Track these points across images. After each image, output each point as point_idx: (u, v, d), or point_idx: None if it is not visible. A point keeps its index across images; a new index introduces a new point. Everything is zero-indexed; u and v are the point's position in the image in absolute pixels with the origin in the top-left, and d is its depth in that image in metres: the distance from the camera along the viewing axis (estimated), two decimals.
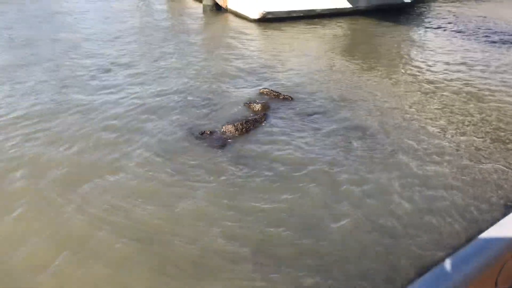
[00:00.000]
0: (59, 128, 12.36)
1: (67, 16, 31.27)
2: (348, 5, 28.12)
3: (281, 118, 13.02)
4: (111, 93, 15.15)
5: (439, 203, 8.86)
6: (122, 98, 14.79)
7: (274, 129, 12.24)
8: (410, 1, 30.54)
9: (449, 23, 26.31)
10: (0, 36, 24.02)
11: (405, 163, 10.33)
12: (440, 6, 32.31)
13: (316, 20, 26.83)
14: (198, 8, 33.02)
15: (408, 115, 13.02)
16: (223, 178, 9.86)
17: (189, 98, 14.97)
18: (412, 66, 18.29)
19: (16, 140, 11.53)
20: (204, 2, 31.67)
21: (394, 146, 11.14)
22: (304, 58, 19.44)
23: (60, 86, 15.90)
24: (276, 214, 8.54)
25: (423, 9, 30.90)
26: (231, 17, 29.10)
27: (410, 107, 13.72)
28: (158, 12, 34.48)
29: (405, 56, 19.80)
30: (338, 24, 26.31)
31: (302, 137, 11.67)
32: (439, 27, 24.97)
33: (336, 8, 27.94)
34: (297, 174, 9.93)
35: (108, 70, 17.91)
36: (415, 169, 10.05)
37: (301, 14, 27.20)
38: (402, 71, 17.63)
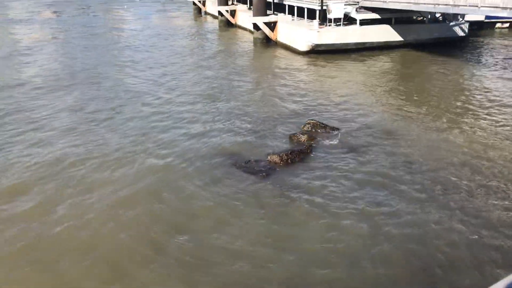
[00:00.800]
0: (111, 150, 13.14)
1: (121, 37, 33.17)
2: (398, 38, 27.99)
3: (326, 150, 13.07)
4: (161, 121, 15.88)
5: None
6: (172, 123, 15.46)
7: (319, 162, 12.29)
8: (464, 34, 29.91)
9: (506, 58, 25.50)
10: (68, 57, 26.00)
11: (456, 200, 10.04)
12: (495, 40, 31.43)
13: (365, 52, 26.84)
14: (249, 39, 34.02)
15: (458, 150, 12.70)
16: (263, 210, 9.92)
17: (236, 126, 15.37)
18: (462, 101, 17.85)
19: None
20: (254, 35, 32.62)
21: (444, 183, 10.87)
22: (352, 91, 19.48)
23: (113, 112, 16.88)
24: (316, 251, 8.47)
25: (478, 43, 30.16)
26: (280, 49, 29.75)
27: (460, 143, 13.37)
28: (210, 40, 35.91)
29: (455, 93, 19.36)
30: (387, 57, 26.20)
31: (347, 172, 11.62)
32: (495, 64, 24.19)
33: (386, 41, 27.88)
34: (340, 211, 9.80)
35: (157, 97, 18.80)
36: (468, 208, 9.72)
37: (350, 47, 27.35)
38: (452, 108, 17.24)
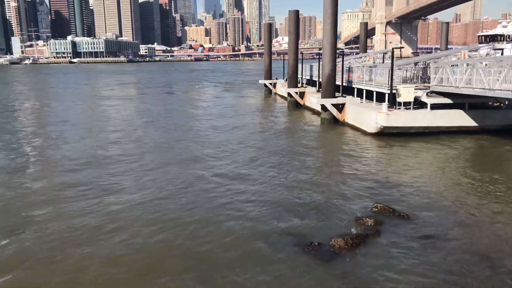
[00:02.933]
0: (169, 210, 13.45)
1: (195, 115, 35.22)
2: (472, 124, 27.07)
3: (394, 237, 12.40)
4: (229, 205, 16.14)
5: None
6: (237, 201, 15.65)
7: (386, 249, 11.63)
8: None
9: None
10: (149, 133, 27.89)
11: None
12: None
13: (437, 137, 26.12)
14: (317, 119, 34.66)
15: None
16: None
17: (300, 203, 15.18)
18: None
19: None
20: (322, 115, 33.25)
21: None
22: (422, 176, 18.75)
23: (186, 202, 17.49)
24: None
25: None
26: (347, 130, 29.88)
27: None
28: (279, 118, 37.00)
29: None
30: (461, 142, 25.23)
31: (416, 263, 10.83)
32: None
33: (459, 126, 27.05)
34: None
35: (224, 169, 19.34)
36: None
37: (421, 130, 26.83)
38: None
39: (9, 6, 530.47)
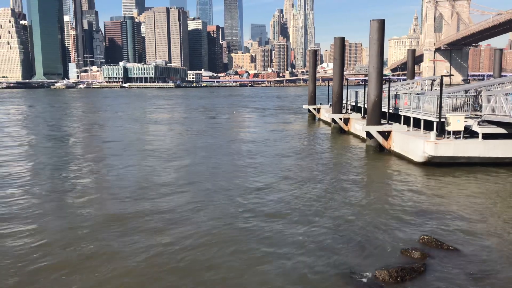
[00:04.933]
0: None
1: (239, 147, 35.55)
2: None
3: (441, 271, 11.83)
4: (271, 239, 16.08)
5: None
6: (281, 233, 15.54)
7: (432, 284, 11.08)
8: None
9: None
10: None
11: None
12: None
13: (489, 168, 24.91)
14: (361, 146, 34.10)
15: None
16: None
17: (345, 233, 14.83)
18: None
19: None
20: (367, 142, 32.69)
21: None
22: (471, 209, 17.87)
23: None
24: None
25: None
26: (394, 158, 29.15)
27: None
28: (323, 145, 36.66)
29: None
30: None
31: None
32: None
33: None
34: None
35: (264, 198, 19.32)
36: None
37: (472, 161, 25.72)
38: None
39: (68, 34, 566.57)
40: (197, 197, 19.61)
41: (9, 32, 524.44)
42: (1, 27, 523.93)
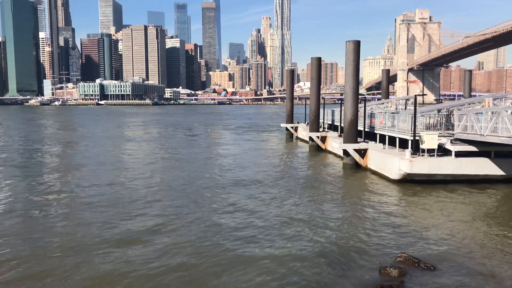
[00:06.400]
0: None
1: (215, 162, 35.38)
2: (499, 172, 26.37)
3: None
4: (244, 256, 15.92)
5: None
6: (254, 252, 15.40)
7: None
8: None
9: None
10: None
11: None
12: None
13: (462, 185, 25.48)
14: (338, 164, 34.43)
15: None
16: None
17: (321, 252, 14.78)
18: None
19: None
20: (344, 160, 33.06)
21: None
22: (448, 225, 18.19)
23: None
24: None
25: None
26: (370, 176, 29.52)
27: None
28: (300, 163, 36.85)
29: None
30: (487, 192, 24.50)
31: None
32: None
33: (485, 175, 26.39)
34: None
35: (241, 218, 19.20)
36: None
37: (446, 178, 26.28)
38: None
39: (43, 50, 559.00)
40: (166, 215, 19.33)
41: None
42: None
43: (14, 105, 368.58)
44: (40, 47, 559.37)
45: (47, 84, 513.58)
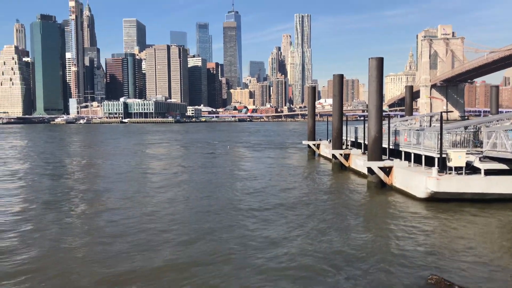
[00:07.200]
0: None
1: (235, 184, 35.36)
2: None
3: None
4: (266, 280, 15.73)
5: None
6: (277, 274, 15.18)
7: None
8: None
9: None
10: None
11: None
12: None
13: (492, 204, 24.68)
14: (362, 182, 33.92)
15: None
16: None
17: (349, 274, 14.50)
18: None
19: None
20: (368, 178, 32.53)
21: None
22: (476, 246, 17.57)
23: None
24: None
25: None
26: (395, 194, 28.94)
27: None
28: (323, 181, 36.43)
29: None
30: None
31: None
32: None
33: None
34: None
35: (259, 235, 18.99)
36: None
37: (474, 197, 25.52)
38: None
39: (70, 70, 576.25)
40: (189, 234, 19.30)
41: (12, 69, 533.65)
42: (4, 64, 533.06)
43: (41, 124, 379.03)
44: (67, 67, 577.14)
45: (72, 103, 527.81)
